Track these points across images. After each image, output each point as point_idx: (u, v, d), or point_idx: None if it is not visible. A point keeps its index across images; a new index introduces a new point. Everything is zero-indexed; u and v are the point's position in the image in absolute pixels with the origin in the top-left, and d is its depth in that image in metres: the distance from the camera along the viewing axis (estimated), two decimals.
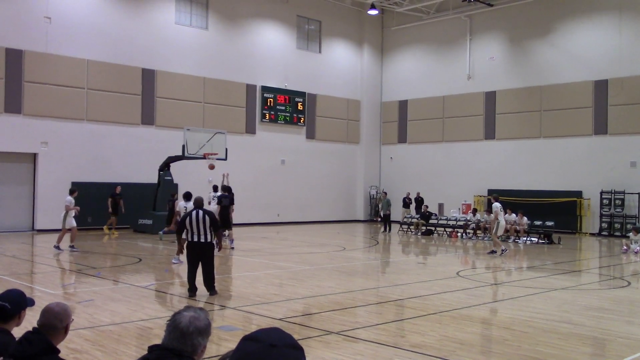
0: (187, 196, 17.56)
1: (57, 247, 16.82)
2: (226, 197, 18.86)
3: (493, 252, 18.27)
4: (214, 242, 10.64)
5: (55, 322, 3.57)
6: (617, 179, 25.72)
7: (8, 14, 22.48)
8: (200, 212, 10.55)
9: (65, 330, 3.65)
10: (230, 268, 14.96)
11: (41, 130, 23.15)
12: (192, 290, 10.52)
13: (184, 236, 10.85)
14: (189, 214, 10.71)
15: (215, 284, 10.72)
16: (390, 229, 26.69)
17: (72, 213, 16.87)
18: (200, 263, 10.60)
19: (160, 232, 20.89)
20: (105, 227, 23.01)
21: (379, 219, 32.72)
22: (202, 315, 2.72)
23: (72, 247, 16.87)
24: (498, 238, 18.81)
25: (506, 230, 21.03)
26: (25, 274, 13.49)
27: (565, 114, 27.43)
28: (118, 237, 21.63)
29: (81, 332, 7.69)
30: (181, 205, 17.80)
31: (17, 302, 3.88)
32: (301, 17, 31.69)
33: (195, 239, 10.49)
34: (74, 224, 16.98)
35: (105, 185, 23.91)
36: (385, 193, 28.08)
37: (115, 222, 23.06)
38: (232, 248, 18.41)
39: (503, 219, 18.50)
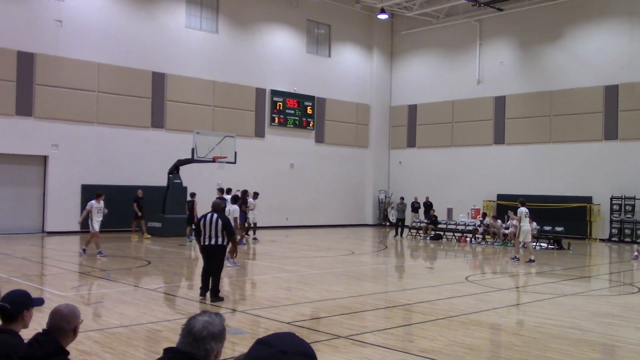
0: (235, 199, 17.82)
1: (100, 253, 16.42)
2: (221, 199, 18.89)
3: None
4: (225, 244, 10.60)
5: (64, 324, 3.58)
6: (628, 185, 25.55)
7: (20, 17, 22.66)
8: (215, 215, 10.54)
9: (74, 332, 3.66)
10: (239, 271, 14.96)
11: (52, 133, 23.29)
12: (203, 289, 10.51)
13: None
14: (204, 216, 10.71)
15: (220, 291, 10.58)
16: (402, 234, 26.49)
17: (99, 217, 16.59)
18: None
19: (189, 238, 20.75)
20: (144, 233, 23.03)
21: (388, 223, 32.68)
22: (216, 321, 2.70)
23: (83, 250, 16.85)
24: (520, 243, 18.51)
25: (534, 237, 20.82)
26: (35, 275, 13.56)
27: (575, 119, 27.30)
28: (131, 241, 21.72)
29: (90, 334, 7.72)
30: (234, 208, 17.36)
31: (18, 302, 3.85)
32: (311, 21, 31.74)
33: (207, 242, 10.50)
34: (93, 229, 16.58)
35: (115, 188, 23.95)
36: (402, 198, 27.81)
37: (136, 225, 23.36)
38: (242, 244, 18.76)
39: (527, 224, 18.26)
